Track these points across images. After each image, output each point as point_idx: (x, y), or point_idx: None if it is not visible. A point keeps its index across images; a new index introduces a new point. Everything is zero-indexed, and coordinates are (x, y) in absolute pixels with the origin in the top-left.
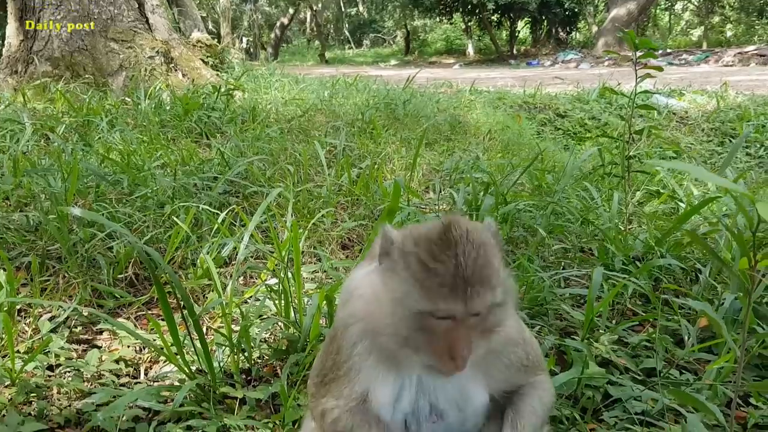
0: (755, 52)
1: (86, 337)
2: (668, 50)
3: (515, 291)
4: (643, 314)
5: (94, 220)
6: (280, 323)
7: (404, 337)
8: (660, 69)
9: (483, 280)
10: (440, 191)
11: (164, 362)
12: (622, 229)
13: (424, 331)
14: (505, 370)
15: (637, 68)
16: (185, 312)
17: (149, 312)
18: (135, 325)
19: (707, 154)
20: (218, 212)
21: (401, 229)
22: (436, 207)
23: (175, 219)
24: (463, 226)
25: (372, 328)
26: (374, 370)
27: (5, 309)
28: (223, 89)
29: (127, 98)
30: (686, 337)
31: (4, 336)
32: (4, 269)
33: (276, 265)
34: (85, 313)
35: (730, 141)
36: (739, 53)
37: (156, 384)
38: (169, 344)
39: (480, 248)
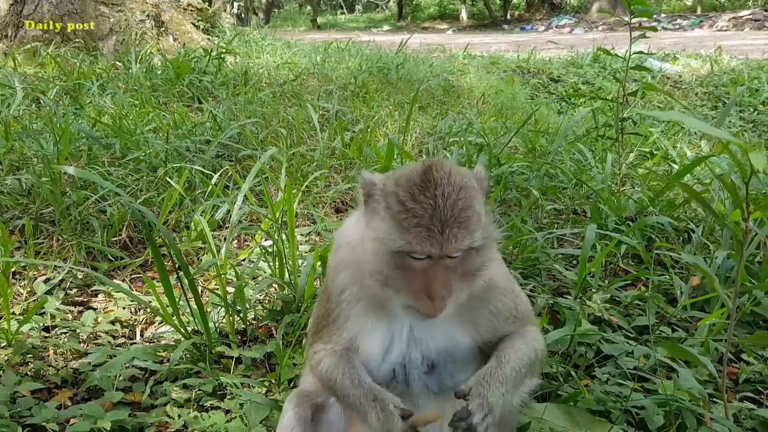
0: (749, 16)
1: (81, 299)
2: (662, 15)
3: (497, 236)
4: (636, 273)
5: (88, 179)
6: (274, 285)
7: (385, 276)
8: (654, 29)
9: (461, 222)
10: (433, 153)
11: (160, 323)
12: (615, 190)
13: (403, 270)
14: (493, 319)
15: (631, 28)
16: (180, 273)
17: (144, 275)
18: (130, 288)
19: (701, 119)
20: (212, 173)
21: (384, 174)
22: None
23: (168, 180)
24: (446, 168)
25: (359, 272)
26: (363, 318)
27: (0, 270)
28: (214, 53)
29: (117, 62)
30: (678, 292)
31: None
32: None
33: (270, 226)
34: (80, 276)
35: (724, 105)
36: (733, 18)
37: (152, 344)
38: (165, 305)
39: (461, 191)
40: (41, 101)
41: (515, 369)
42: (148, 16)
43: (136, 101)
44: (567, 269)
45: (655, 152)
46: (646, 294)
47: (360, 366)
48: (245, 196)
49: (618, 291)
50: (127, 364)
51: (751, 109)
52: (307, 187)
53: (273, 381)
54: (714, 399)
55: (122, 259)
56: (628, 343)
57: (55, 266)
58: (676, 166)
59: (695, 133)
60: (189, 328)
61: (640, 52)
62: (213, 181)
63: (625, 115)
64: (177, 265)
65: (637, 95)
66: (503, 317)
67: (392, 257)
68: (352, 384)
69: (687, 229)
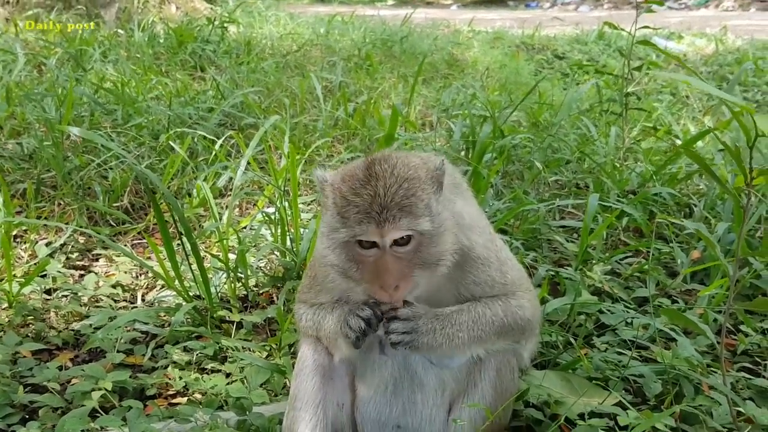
0: None
1: (83, 263)
2: None
3: (456, 222)
4: (637, 244)
5: (93, 140)
6: (276, 252)
7: (343, 269)
8: (661, 3)
9: (401, 207)
10: (437, 123)
11: (161, 288)
12: (618, 165)
13: (356, 262)
14: (476, 288)
15: (637, 3)
16: (183, 238)
17: (146, 240)
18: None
19: (704, 98)
20: (215, 139)
21: (336, 170)
22: (434, 140)
23: (172, 144)
24: (391, 162)
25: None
26: (344, 293)
27: (2, 230)
28: (217, 22)
29: (120, 30)
30: (679, 261)
31: (1, 259)
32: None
33: (273, 193)
34: (81, 240)
35: (728, 84)
36: None
37: (153, 307)
38: (167, 269)
39: (404, 182)
40: (43, 68)
41: (475, 319)
42: None
43: (139, 69)
44: (568, 241)
45: (658, 127)
46: (647, 266)
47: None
48: (248, 162)
49: (618, 264)
50: (129, 327)
51: (755, 89)
52: (309, 156)
53: (274, 346)
54: (712, 369)
55: (124, 223)
56: (626, 311)
57: (57, 230)
58: (679, 142)
59: (699, 109)
60: (190, 293)
61: (646, 26)
62: (216, 147)
63: (629, 89)
64: (179, 231)
65: (641, 70)
66: (488, 285)
67: (343, 250)
68: (333, 314)
69: (688, 204)
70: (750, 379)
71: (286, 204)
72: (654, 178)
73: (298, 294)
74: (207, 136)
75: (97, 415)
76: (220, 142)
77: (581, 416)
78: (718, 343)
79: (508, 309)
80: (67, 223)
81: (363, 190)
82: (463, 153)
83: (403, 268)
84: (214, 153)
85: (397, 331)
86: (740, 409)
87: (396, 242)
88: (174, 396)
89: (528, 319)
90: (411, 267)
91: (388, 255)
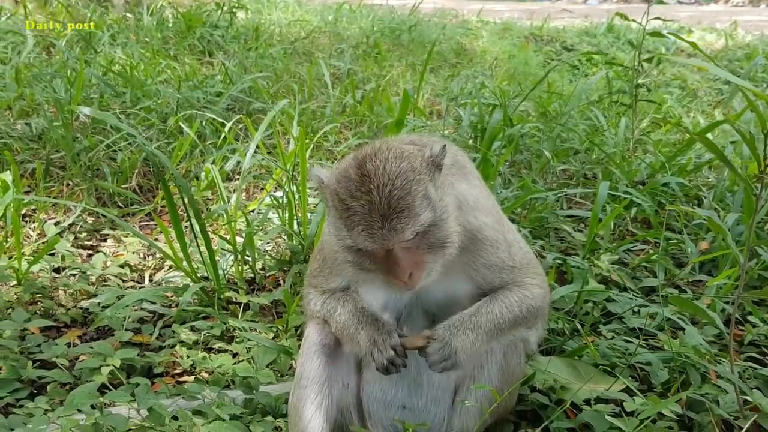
0: None
1: (91, 243)
2: None
3: (456, 204)
4: (645, 234)
5: (103, 119)
6: (283, 236)
7: (356, 263)
8: None
9: (400, 212)
10: (446, 111)
11: (169, 268)
12: (627, 156)
13: (368, 257)
14: (487, 271)
15: None
16: (192, 220)
17: (153, 223)
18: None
19: (714, 92)
20: (224, 121)
21: (331, 169)
22: (443, 128)
23: (181, 126)
24: (382, 157)
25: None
26: (356, 275)
27: (12, 209)
28: (226, 7)
29: (128, 14)
30: (689, 250)
31: (9, 238)
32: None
33: (281, 176)
34: (90, 221)
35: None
36: None
37: (162, 286)
38: (176, 250)
39: (396, 179)
40: (51, 50)
41: (493, 319)
42: None
43: (147, 53)
44: (576, 230)
45: (668, 119)
46: (654, 256)
47: (357, 297)
48: (257, 147)
49: (626, 254)
50: (136, 307)
51: (765, 85)
52: (318, 142)
53: (280, 327)
54: (719, 359)
55: (132, 205)
56: (634, 299)
57: (66, 210)
58: (688, 135)
59: (709, 102)
60: (198, 275)
61: (658, 17)
62: (226, 129)
63: (639, 81)
64: (187, 213)
65: (652, 62)
66: (498, 268)
67: (350, 250)
68: (347, 307)
69: (698, 196)
70: (757, 369)
71: (294, 188)
72: (666, 166)
73: (307, 278)
74: (216, 118)
75: (106, 391)
76: (229, 125)
77: (587, 402)
78: (726, 333)
79: (522, 301)
80: (75, 204)
81: (359, 194)
82: (471, 141)
83: (413, 257)
84: (222, 136)
85: (437, 360)
86: (747, 398)
87: None
88: (181, 375)
89: (539, 305)
90: (421, 254)
91: (397, 251)
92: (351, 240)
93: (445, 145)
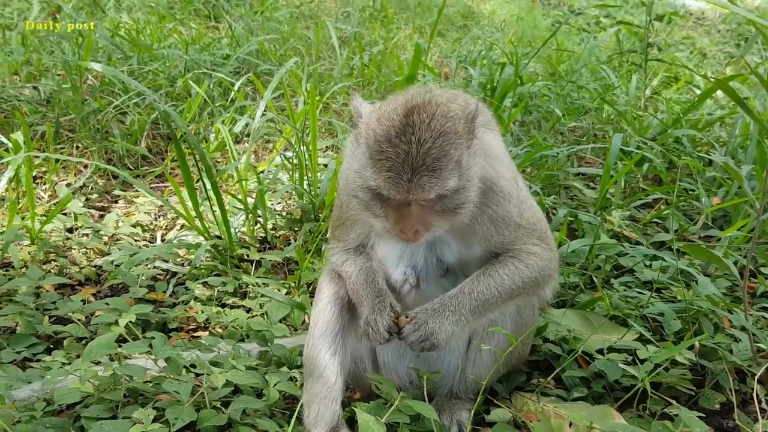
0: None
1: (102, 204)
2: None
3: (482, 172)
4: (658, 188)
5: (113, 76)
6: (293, 195)
7: (366, 203)
8: None
9: (432, 170)
10: (455, 71)
11: (181, 227)
12: (640, 114)
13: (380, 202)
14: (491, 224)
15: None
16: (203, 179)
17: (163, 185)
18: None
19: (722, 56)
20: (233, 81)
21: (374, 105)
22: (452, 86)
23: (192, 85)
24: (430, 111)
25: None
26: (365, 220)
27: (24, 166)
28: None
29: None
30: (702, 200)
31: (22, 198)
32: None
33: (291, 136)
34: (101, 183)
35: (746, 42)
36: None
37: (175, 242)
38: (188, 208)
39: (439, 137)
40: (57, 15)
41: (478, 297)
42: None
43: (153, 16)
44: (587, 187)
45: (679, 77)
46: (666, 211)
47: (377, 266)
48: (266, 107)
49: (637, 210)
50: (150, 265)
51: None
52: (326, 102)
53: (292, 284)
54: (732, 310)
55: (142, 167)
56: (646, 255)
57: (77, 171)
58: (699, 92)
59: (719, 62)
60: (210, 234)
61: None
62: (235, 87)
63: (650, 40)
64: (199, 174)
65: (663, 21)
66: (504, 223)
67: (368, 191)
68: (359, 277)
69: (709, 153)
70: None
71: (304, 148)
72: (678, 121)
73: (330, 228)
74: (225, 78)
75: (122, 345)
76: (238, 84)
77: (600, 352)
78: (738, 285)
79: (515, 274)
80: (85, 167)
81: (397, 141)
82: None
83: (424, 215)
84: (231, 98)
85: (414, 342)
86: (761, 345)
87: None
88: (195, 330)
89: (535, 275)
90: (432, 214)
91: (414, 206)
92: (374, 182)
93: (479, 104)
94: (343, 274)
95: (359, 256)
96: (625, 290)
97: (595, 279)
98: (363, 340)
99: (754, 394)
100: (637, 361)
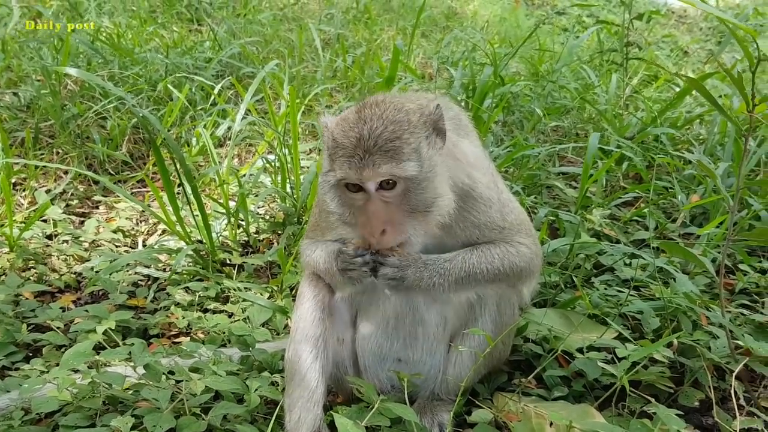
0: None
1: (82, 210)
2: None
3: (445, 169)
4: (637, 191)
5: (90, 81)
6: (276, 199)
7: (338, 213)
8: None
9: (385, 150)
10: (437, 71)
11: (162, 233)
12: (619, 113)
13: (349, 207)
14: (474, 230)
15: None
16: (184, 184)
17: (144, 190)
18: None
19: (703, 54)
20: (214, 85)
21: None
22: (435, 89)
23: (171, 88)
24: (383, 105)
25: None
26: (348, 231)
27: (2, 172)
28: None
29: None
30: (679, 198)
31: (0, 205)
32: None
33: (273, 139)
34: (81, 188)
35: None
36: None
37: (156, 247)
38: (169, 213)
39: (391, 125)
40: (38, 21)
41: (468, 268)
42: None
43: (135, 20)
44: (568, 186)
45: (659, 75)
46: (646, 210)
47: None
48: (248, 110)
49: (617, 208)
50: (130, 271)
51: (754, 45)
52: (309, 105)
53: (275, 288)
54: (710, 307)
55: (123, 172)
56: (625, 253)
57: (57, 177)
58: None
59: (700, 60)
60: (192, 239)
61: None
62: (215, 91)
63: (630, 39)
64: (180, 179)
65: (642, 19)
66: (487, 228)
67: (335, 193)
68: (328, 248)
69: (689, 150)
70: (747, 315)
71: (286, 150)
72: (657, 120)
73: (305, 232)
74: (206, 82)
75: (101, 352)
76: (218, 87)
77: (580, 351)
78: (715, 280)
79: (505, 257)
80: (66, 172)
81: (351, 133)
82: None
83: (392, 214)
84: (212, 100)
85: (386, 276)
86: (739, 342)
87: (382, 186)
88: (177, 336)
89: (523, 266)
90: (400, 213)
91: (376, 199)
92: (333, 174)
93: (439, 104)
94: (312, 258)
95: (329, 245)
96: (605, 289)
97: (575, 278)
98: (342, 346)
99: (732, 391)
100: (616, 359)
